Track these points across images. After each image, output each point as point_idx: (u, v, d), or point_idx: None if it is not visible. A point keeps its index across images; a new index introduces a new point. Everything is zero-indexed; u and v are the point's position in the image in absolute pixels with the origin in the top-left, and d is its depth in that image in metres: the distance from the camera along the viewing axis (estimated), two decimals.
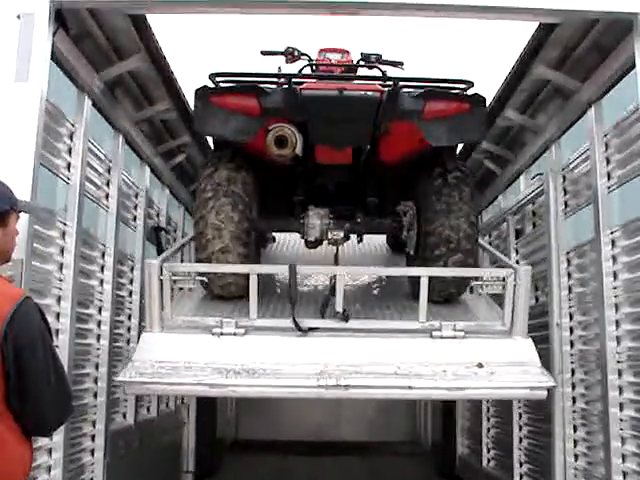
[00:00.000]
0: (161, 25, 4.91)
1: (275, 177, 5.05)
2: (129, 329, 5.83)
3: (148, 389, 4.39)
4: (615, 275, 4.51)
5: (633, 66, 4.02)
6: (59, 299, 4.41)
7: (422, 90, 4.38)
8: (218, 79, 4.38)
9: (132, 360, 4.23)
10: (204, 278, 4.52)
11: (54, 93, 4.09)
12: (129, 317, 5.86)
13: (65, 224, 4.51)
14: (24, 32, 3.81)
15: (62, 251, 4.48)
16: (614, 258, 4.52)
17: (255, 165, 4.84)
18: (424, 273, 4.38)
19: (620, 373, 4.40)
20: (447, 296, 4.79)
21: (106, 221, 5.35)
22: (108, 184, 5.31)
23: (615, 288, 4.49)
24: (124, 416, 5.77)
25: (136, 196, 6.06)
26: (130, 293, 5.92)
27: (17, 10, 3.84)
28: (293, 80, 4.30)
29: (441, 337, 4.30)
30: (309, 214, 4.84)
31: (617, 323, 4.46)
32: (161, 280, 4.31)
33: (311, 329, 4.34)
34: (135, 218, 6.05)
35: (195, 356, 4.17)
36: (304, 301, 4.69)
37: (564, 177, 5.35)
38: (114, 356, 5.33)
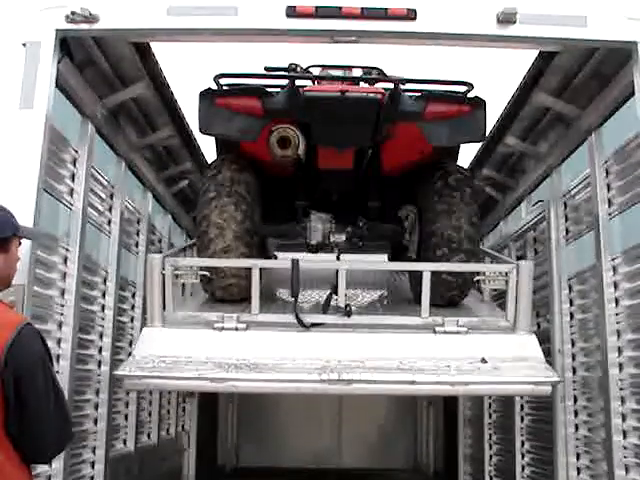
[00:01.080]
0: (164, 48, 4.99)
1: (277, 184, 5.12)
2: (130, 355, 5.81)
3: (148, 384, 4.36)
4: (617, 301, 4.50)
5: (632, 93, 4.05)
6: (60, 325, 4.41)
7: (423, 93, 4.48)
8: (222, 81, 4.47)
9: (132, 355, 4.22)
10: (206, 273, 4.52)
11: (58, 119, 4.12)
12: (130, 343, 5.84)
13: (67, 250, 4.52)
14: (30, 60, 3.86)
15: (64, 277, 4.48)
16: (615, 284, 4.52)
17: (258, 172, 4.91)
18: (427, 268, 4.42)
19: (623, 400, 4.36)
20: (450, 299, 4.81)
21: (108, 247, 5.36)
22: (110, 210, 5.33)
23: (617, 315, 4.48)
24: (124, 442, 5.74)
25: (138, 222, 6.08)
26: (132, 319, 5.91)
27: (23, 38, 3.90)
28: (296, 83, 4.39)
29: (444, 332, 4.29)
30: (311, 217, 4.90)
31: (619, 350, 4.44)
32: (163, 274, 4.32)
33: (313, 325, 4.33)
34: (137, 244, 6.06)
35: (196, 351, 4.14)
36: (306, 299, 4.72)
37: (565, 204, 5.37)
38: (115, 382, 5.31)
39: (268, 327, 4.32)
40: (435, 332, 4.30)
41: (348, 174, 4.92)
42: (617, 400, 4.39)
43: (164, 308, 4.33)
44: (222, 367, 4.04)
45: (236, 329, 4.28)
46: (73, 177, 4.60)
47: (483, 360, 4.11)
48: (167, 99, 5.42)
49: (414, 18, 4.02)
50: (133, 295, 5.96)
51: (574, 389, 5.16)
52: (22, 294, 3.60)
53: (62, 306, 4.44)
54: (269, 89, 4.50)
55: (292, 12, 4.01)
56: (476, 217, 4.85)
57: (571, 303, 5.27)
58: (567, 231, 5.35)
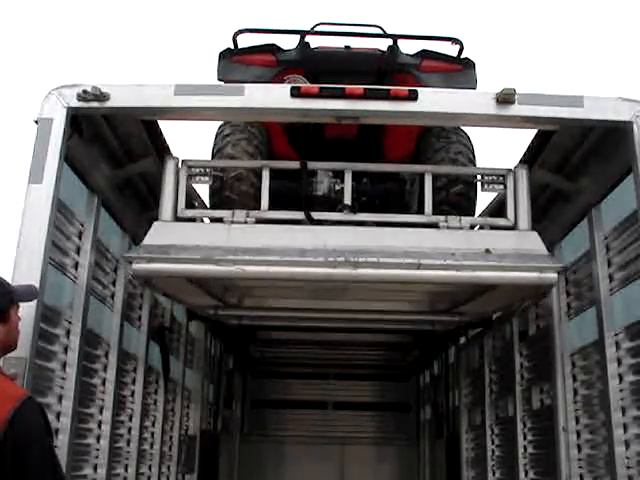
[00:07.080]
0: (172, 123, 5.12)
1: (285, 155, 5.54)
2: (130, 430, 5.72)
3: (155, 269, 4.43)
4: (620, 377, 4.47)
5: (630, 170, 4.12)
6: (60, 398, 4.37)
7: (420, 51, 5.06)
8: (241, 37, 5.11)
9: (140, 244, 4.42)
10: (220, 174, 4.87)
11: (65, 193, 4.18)
12: (130, 418, 5.76)
13: (70, 322, 4.52)
14: (41, 136, 3.96)
15: (66, 350, 4.47)
16: (619, 360, 4.50)
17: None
18: (428, 170, 4.76)
19: (631, 479, 4.27)
20: None
21: (111, 320, 5.35)
22: (114, 283, 5.35)
23: (621, 391, 4.44)
24: None
25: (141, 296, 6.09)
26: (132, 393, 5.85)
27: (35, 115, 4.01)
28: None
29: (447, 228, 4.49)
30: (317, 173, 5.14)
31: (625, 426, 4.38)
32: (178, 172, 4.59)
33: (322, 221, 4.58)
34: (140, 317, 6.05)
35: (205, 240, 4.34)
36: (315, 204, 4.93)
37: (567, 279, 5.38)
38: (114, 457, 5.23)
39: (278, 223, 4.55)
40: (439, 227, 4.50)
41: (352, 143, 5.33)
42: (624, 479, 4.30)
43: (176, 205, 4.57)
44: (230, 252, 4.21)
45: (245, 222, 4.49)
46: (78, 250, 4.64)
47: (487, 251, 4.29)
48: None
49: (415, 99, 4.15)
50: (134, 369, 5.91)
51: (580, 467, 5.06)
52: (24, 367, 3.59)
53: (63, 379, 4.41)
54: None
55: (297, 92, 4.14)
56: (472, 155, 5.23)
57: (574, 379, 5.23)
58: (569, 307, 5.35)
